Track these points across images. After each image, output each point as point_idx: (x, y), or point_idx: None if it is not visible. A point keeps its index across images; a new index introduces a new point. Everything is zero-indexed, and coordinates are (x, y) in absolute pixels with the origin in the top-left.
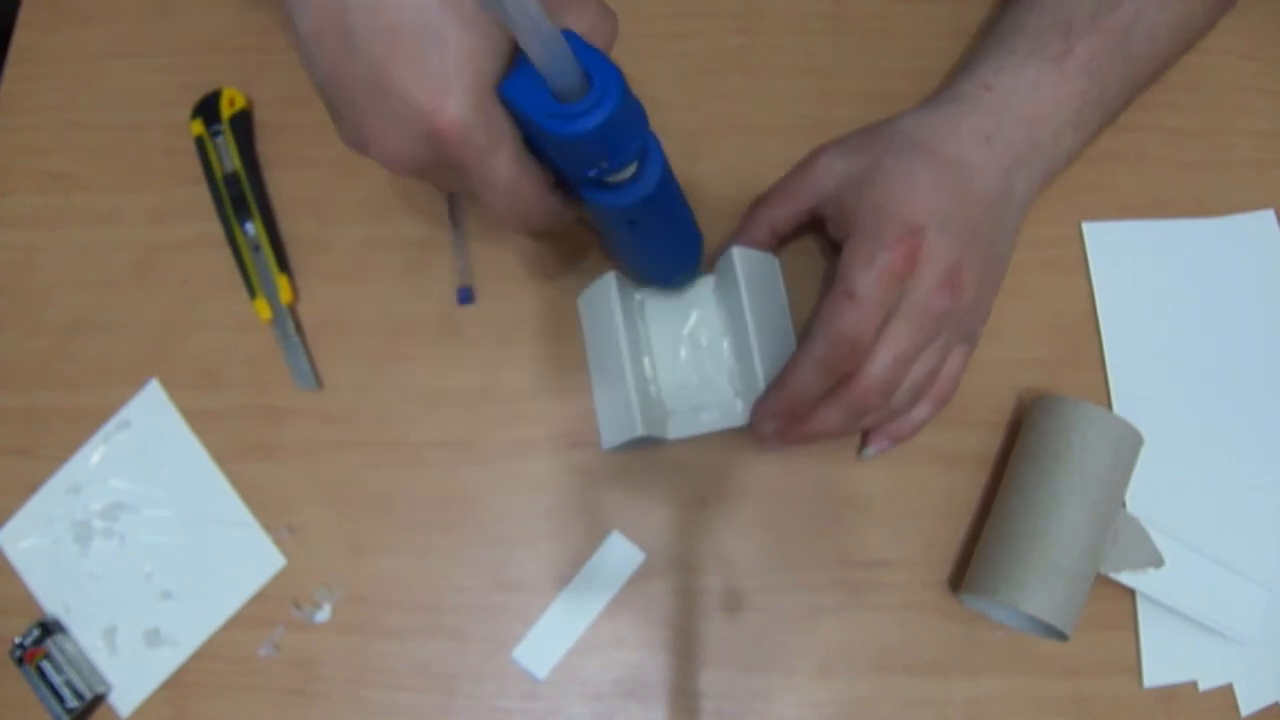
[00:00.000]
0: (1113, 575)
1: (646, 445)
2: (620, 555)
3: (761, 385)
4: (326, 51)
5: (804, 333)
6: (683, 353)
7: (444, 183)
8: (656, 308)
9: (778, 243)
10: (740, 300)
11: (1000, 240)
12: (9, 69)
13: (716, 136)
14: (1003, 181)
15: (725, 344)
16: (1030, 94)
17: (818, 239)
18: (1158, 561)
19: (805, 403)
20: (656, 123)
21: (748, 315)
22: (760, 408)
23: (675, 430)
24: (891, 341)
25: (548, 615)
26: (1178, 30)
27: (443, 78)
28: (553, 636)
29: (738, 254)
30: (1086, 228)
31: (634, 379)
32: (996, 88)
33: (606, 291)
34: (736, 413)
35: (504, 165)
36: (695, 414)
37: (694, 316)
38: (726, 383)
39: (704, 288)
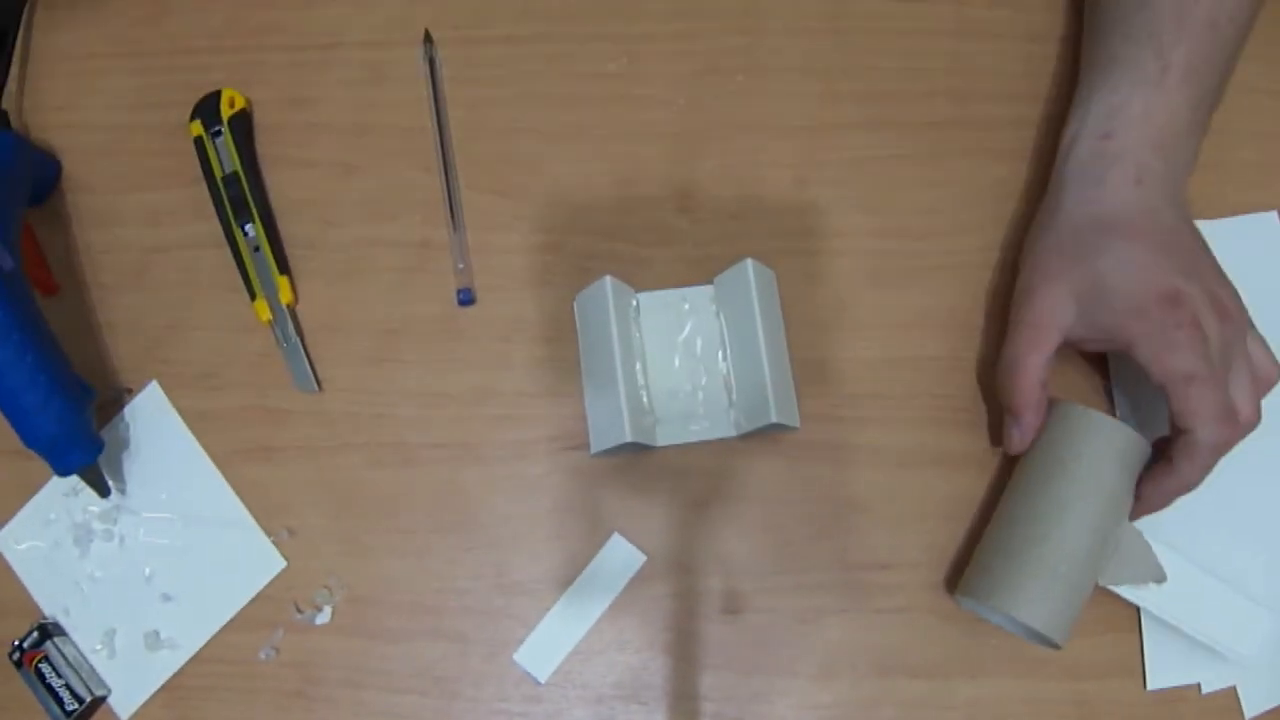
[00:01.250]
0: (1112, 588)
1: (636, 451)
2: (621, 557)
3: (770, 396)
4: None
5: (1160, 452)
6: (676, 360)
7: None
8: (652, 314)
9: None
10: (752, 311)
11: (1201, 242)
12: (11, 69)
13: (717, 137)
14: (1169, 202)
15: (720, 354)
16: (1145, 123)
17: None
18: (1160, 577)
19: (1189, 489)
20: (657, 122)
21: (759, 325)
22: (1148, 499)
23: (664, 438)
24: (1202, 402)
25: (549, 618)
26: (1253, 2)
27: None
28: (553, 639)
29: (751, 266)
30: None
31: (625, 384)
32: (1115, 134)
33: (602, 294)
34: (728, 423)
35: None
36: (685, 423)
37: (690, 325)
38: (721, 392)
39: (702, 296)
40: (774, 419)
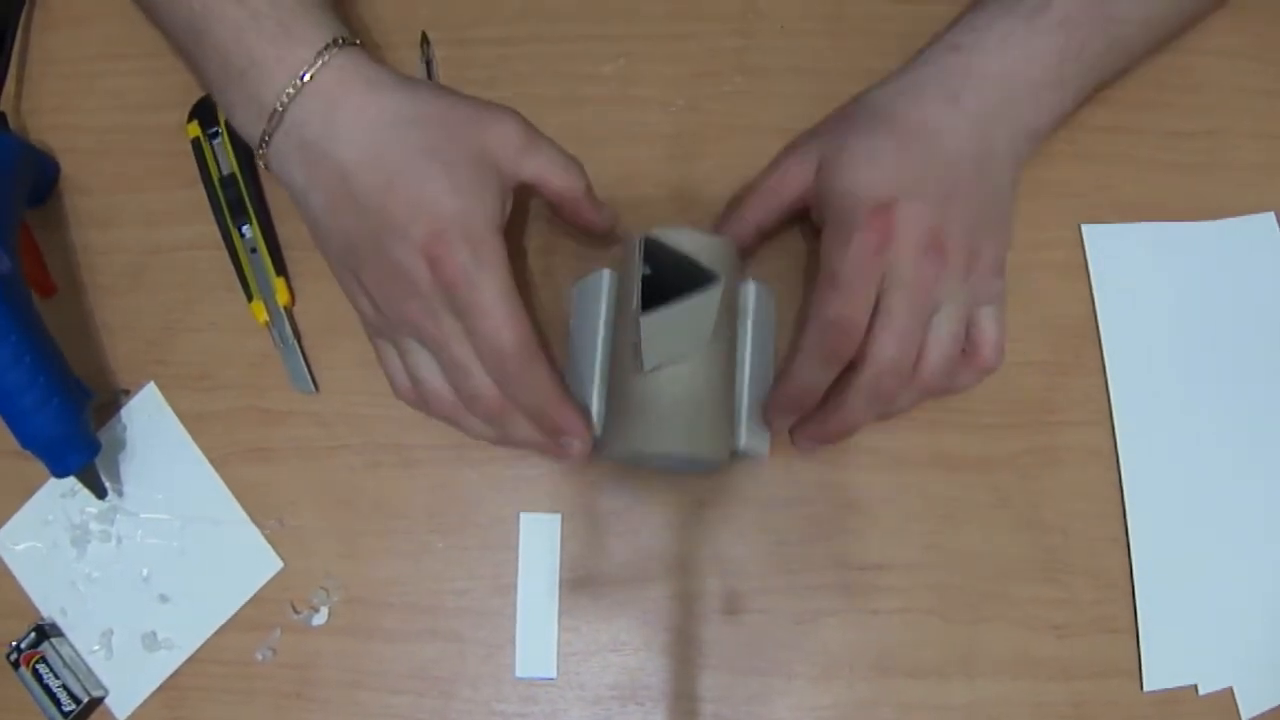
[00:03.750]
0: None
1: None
2: (540, 531)
3: (743, 422)
4: (341, 218)
5: (799, 325)
6: None
7: (444, 326)
8: None
9: (761, 241)
10: (745, 336)
11: (989, 194)
12: (10, 70)
13: (715, 138)
14: (976, 137)
15: None
16: (998, 50)
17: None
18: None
19: (810, 394)
20: (654, 123)
21: (748, 352)
22: (769, 406)
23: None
24: (888, 319)
25: (520, 623)
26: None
27: (438, 208)
28: (537, 638)
29: (754, 289)
30: (1086, 230)
31: (600, 382)
32: (963, 47)
33: (599, 286)
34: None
35: (487, 295)
36: None
37: None
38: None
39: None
40: (741, 446)
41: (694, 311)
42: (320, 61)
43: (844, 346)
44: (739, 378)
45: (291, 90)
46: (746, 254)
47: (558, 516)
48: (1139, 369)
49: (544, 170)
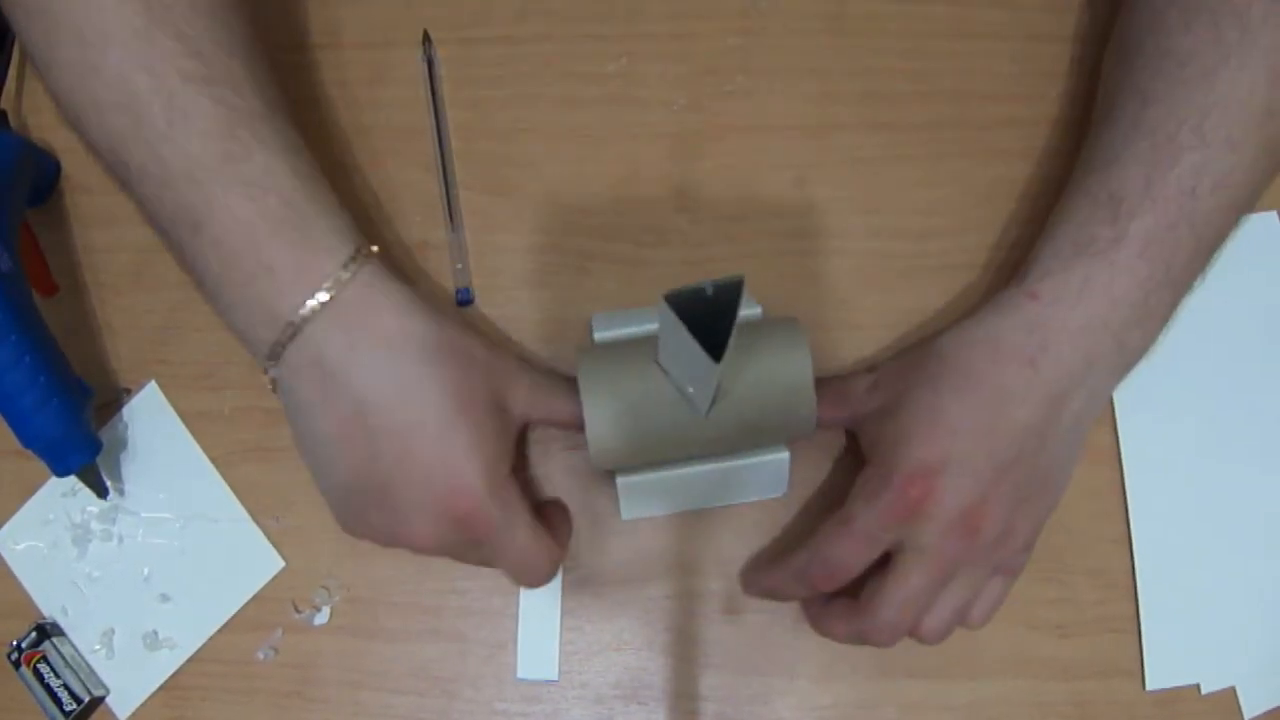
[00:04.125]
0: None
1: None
2: None
3: None
4: (351, 452)
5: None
6: None
7: (466, 557)
8: None
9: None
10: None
11: (1045, 470)
12: (10, 70)
13: (716, 137)
14: (1046, 409)
15: None
16: (1078, 299)
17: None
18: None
19: (780, 595)
20: (656, 123)
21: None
22: (747, 580)
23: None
24: (899, 583)
25: (522, 625)
26: (1258, 164)
27: (460, 467)
28: (538, 639)
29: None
30: None
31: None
32: (1042, 295)
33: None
34: None
35: (520, 538)
36: None
37: None
38: None
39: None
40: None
41: (691, 358)
42: (345, 275)
43: (827, 585)
44: None
45: (315, 304)
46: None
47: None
48: (1141, 369)
49: (554, 410)
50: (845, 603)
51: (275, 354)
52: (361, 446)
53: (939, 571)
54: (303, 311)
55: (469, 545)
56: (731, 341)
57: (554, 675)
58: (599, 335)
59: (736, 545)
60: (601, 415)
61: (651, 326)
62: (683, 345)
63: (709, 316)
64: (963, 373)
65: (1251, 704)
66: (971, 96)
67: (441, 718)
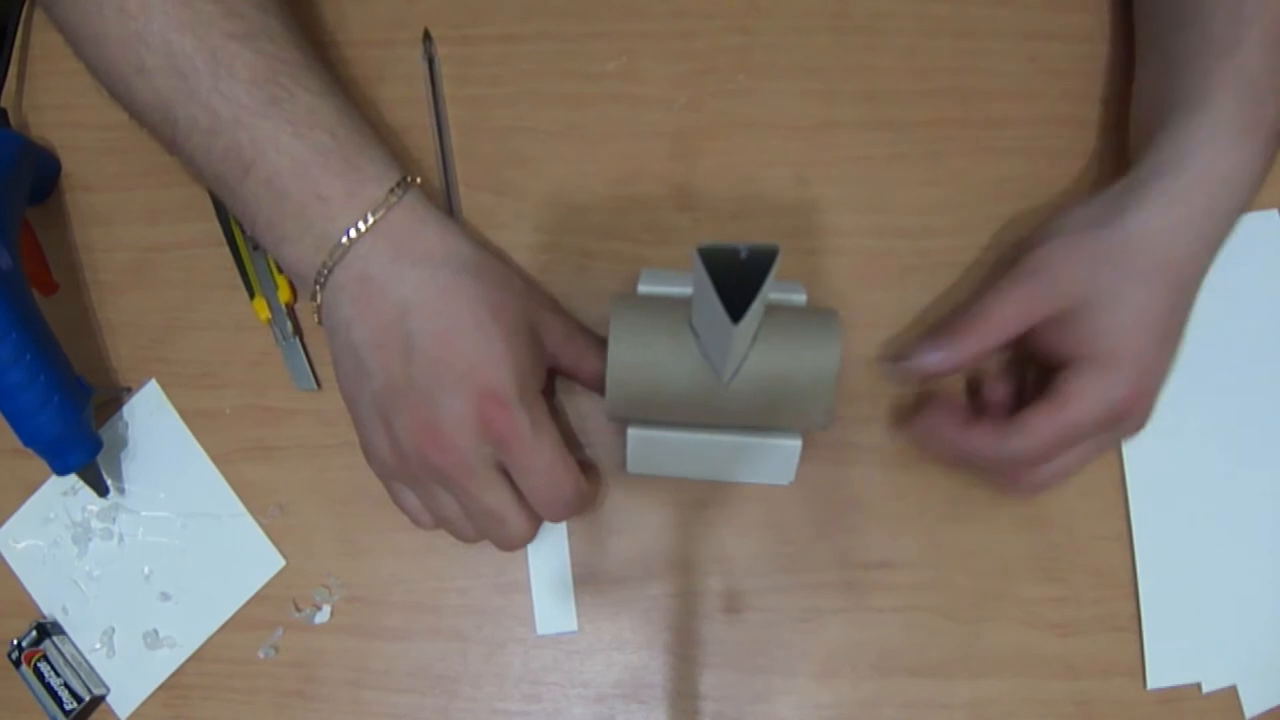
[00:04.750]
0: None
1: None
2: None
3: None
4: (386, 357)
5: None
6: None
7: (483, 498)
8: None
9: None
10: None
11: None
12: (10, 68)
13: (717, 136)
14: (1195, 296)
15: None
16: (1239, 179)
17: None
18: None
19: (959, 455)
20: (656, 121)
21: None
22: (920, 425)
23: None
24: (1075, 457)
25: (534, 582)
26: None
27: (493, 370)
28: (553, 594)
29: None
30: None
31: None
32: (1214, 180)
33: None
34: None
35: (548, 452)
36: None
37: None
38: None
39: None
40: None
41: (712, 316)
42: (392, 199)
43: (1019, 470)
44: None
45: (362, 225)
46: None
47: None
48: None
49: (582, 361)
50: (994, 422)
51: (322, 279)
52: (397, 349)
53: (1102, 426)
54: (350, 234)
55: (487, 454)
56: (756, 308)
57: (573, 627)
58: (643, 288)
59: (737, 544)
60: (624, 361)
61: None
62: (708, 303)
63: (743, 283)
64: (1163, 270)
65: (1252, 703)
66: (973, 95)
67: (442, 716)
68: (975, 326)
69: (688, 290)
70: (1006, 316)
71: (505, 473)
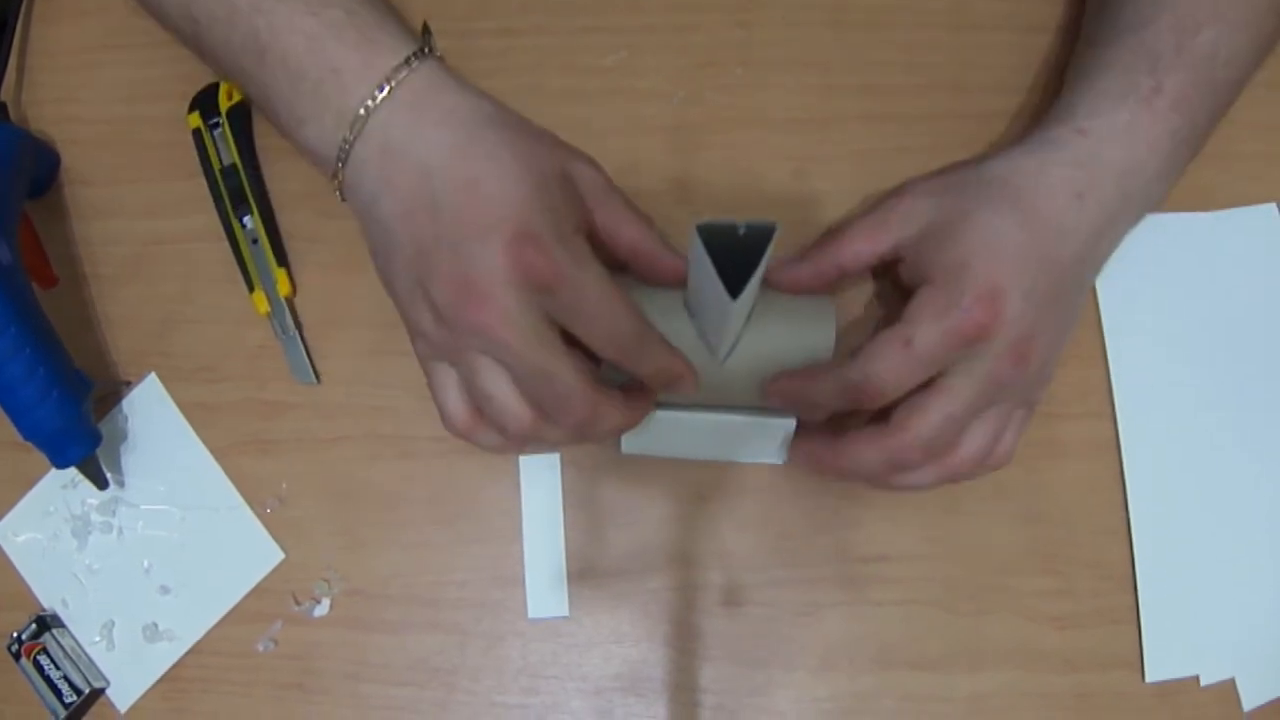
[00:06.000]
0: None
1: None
2: (541, 472)
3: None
4: (415, 224)
5: (853, 349)
6: None
7: (533, 358)
8: None
9: (838, 283)
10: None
11: (1077, 304)
12: (10, 61)
13: (716, 130)
14: (1090, 245)
15: None
16: (1125, 139)
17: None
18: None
19: (810, 407)
20: (656, 115)
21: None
22: (770, 384)
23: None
24: (947, 399)
25: (528, 565)
26: (1257, 50)
27: (525, 215)
28: (545, 578)
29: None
30: None
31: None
32: (1091, 132)
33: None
34: None
35: (594, 288)
36: None
37: None
38: None
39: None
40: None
41: (712, 293)
42: (409, 68)
43: (872, 402)
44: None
45: (380, 94)
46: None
47: (556, 456)
48: (1141, 360)
49: (618, 219)
50: (875, 426)
51: (344, 154)
52: (425, 211)
53: (983, 396)
54: (368, 104)
55: (529, 301)
56: (753, 284)
57: (564, 612)
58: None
59: (736, 538)
60: None
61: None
62: (706, 279)
63: (741, 260)
64: (1017, 200)
65: (1251, 695)
66: (972, 88)
67: (441, 710)
68: (828, 246)
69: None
70: (857, 239)
71: (557, 329)
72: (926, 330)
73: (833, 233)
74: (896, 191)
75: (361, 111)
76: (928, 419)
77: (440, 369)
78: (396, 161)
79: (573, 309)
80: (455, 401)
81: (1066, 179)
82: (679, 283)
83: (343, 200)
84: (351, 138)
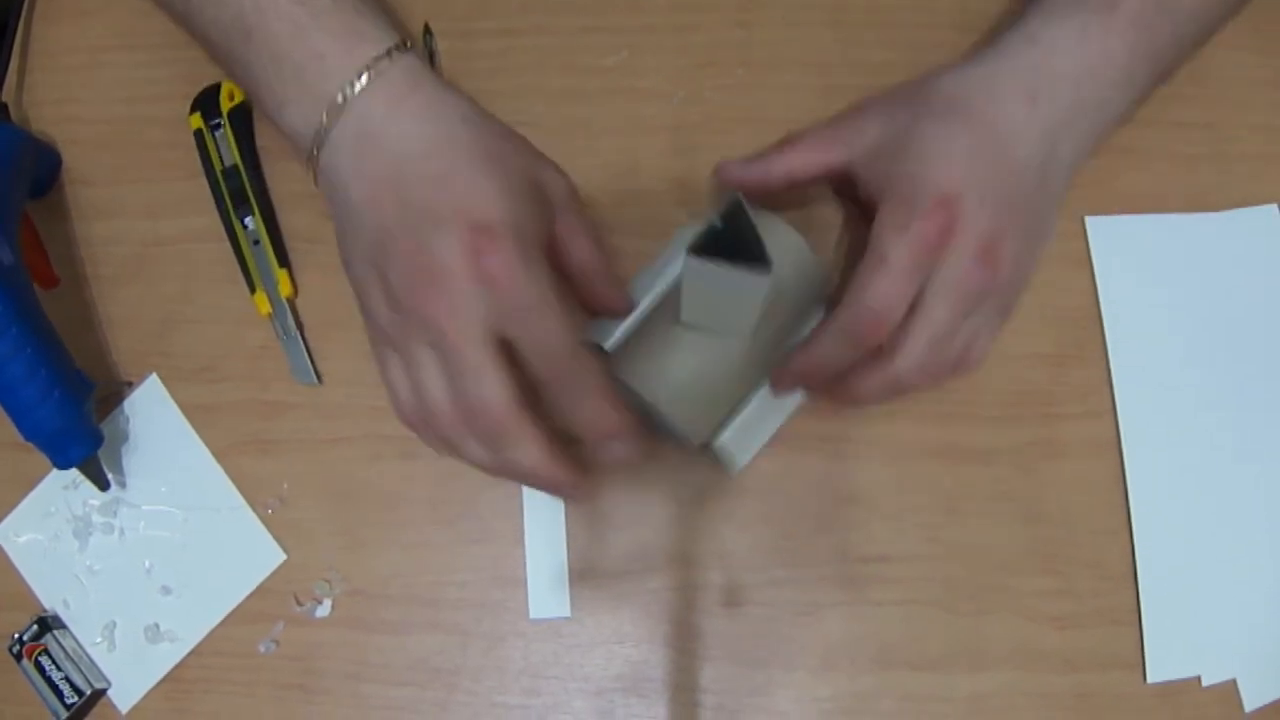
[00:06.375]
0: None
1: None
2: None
3: (739, 421)
4: (380, 209)
5: (838, 300)
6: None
7: (479, 369)
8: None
9: (785, 192)
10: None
11: (1043, 209)
12: (11, 62)
13: (716, 130)
14: (1045, 146)
15: None
16: (1076, 47)
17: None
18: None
19: (827, 371)
20: (656, 115)
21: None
22: (779, 372)
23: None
24: (927, 321)
25: (529, 566)
26: None
27: (490, 214)
28: (547, 578)
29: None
30: (1090, 222)
31: (647, 307)
32: (1041, 40)
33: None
34: None
35: (537, 288)
36: None
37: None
38: None
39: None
40: (718, 443)
41: (737, 290)
42: (390, 59)
43: (878, 334)
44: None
45: (360, 81)
46: (767, 201)
47: None
48: (1142, 360)
49: (575, 233)
50: (872, 360)
51: (321, 138)
52: (393, 198)
53: (961, 304)
54: (347, 91)
55: (475, 296)
56: (767, 249)
57: (566, 612)
58: (609, 344)
59: (737, 538)
60: (679, 400)
61: (642, 299)
62: (724, 286)
63: (730, 245)
64: (969, 109)
65: (1252, 696)
66: None
67: (442, 710)
68: (780, 152)
69: (673, 273)
70: (809, 148)
71: (499, 338)
72: (894, 244)
73: (785, 141)
74: (853, 106)
75: (340, 99)
76: (914, 342)
77: (388, 354)
78: (371, 148)
79: (511, 311)
80: (403, 387)
81: (1016, 84)
82: (617, 312)
83: (316, 185)
84: (329, 122)
